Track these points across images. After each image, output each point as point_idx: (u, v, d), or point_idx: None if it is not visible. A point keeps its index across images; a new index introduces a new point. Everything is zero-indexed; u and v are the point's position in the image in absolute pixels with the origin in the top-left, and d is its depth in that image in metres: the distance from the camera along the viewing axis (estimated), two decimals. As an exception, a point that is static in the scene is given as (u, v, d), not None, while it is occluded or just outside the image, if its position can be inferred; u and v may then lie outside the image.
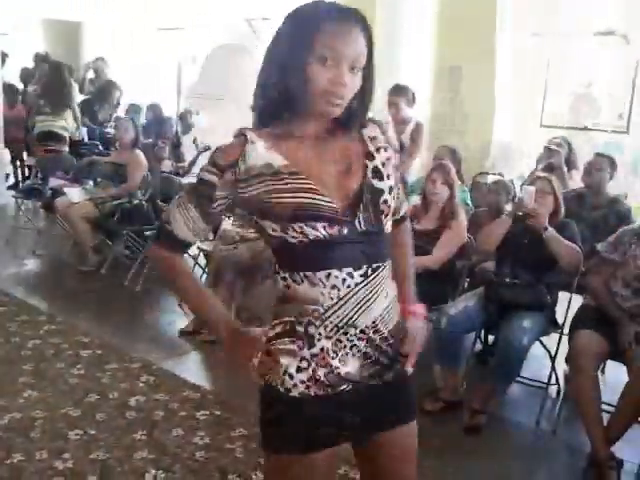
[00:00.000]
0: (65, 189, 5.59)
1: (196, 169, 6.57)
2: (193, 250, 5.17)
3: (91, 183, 5.97)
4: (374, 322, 1.40)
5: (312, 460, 1.42)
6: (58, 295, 4.84)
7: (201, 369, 3.89)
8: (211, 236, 4.95)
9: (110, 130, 7.53)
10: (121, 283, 5.00)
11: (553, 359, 3.37)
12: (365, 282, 1.37)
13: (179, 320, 4.36)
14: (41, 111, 6.97)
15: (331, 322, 1.37)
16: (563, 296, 3.49)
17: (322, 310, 1.37)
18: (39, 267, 5.72)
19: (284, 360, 1.39)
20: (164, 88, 9.26)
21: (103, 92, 7.57)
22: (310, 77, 1.32)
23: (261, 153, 1.37)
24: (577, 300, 3.43)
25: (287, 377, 1.38)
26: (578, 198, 4.21)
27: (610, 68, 6.32)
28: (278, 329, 1.41)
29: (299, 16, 1.37)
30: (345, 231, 1.35)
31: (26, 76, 8.48)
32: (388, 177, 1.43)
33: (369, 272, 1.38)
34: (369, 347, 1.42)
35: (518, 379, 3.44)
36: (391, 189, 1.43)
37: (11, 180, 8.32)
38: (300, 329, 1.38)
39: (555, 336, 3.43)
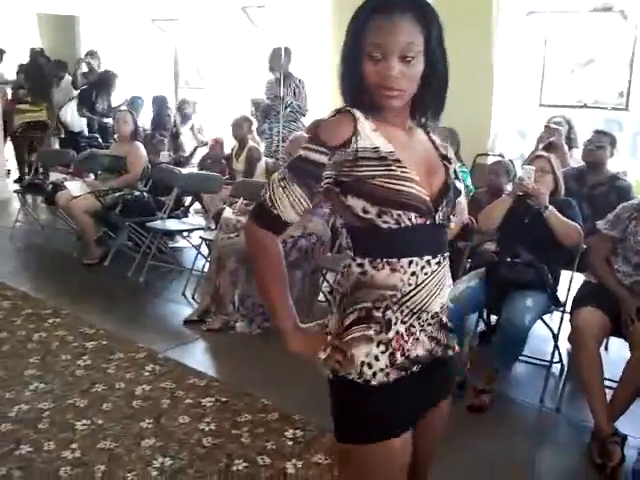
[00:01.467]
0: (66, 183, 5.61)
1: (195, 160, 6.59)
2: (195, 239, 5.20)
3: (92, 176, 5.99)
4: (442, 307, 1.47)
5: (394, 445, 1.43)
6: (62, 288, 4.86)
7: (206, 357, 3.91)
8: (213, 225, 4.97)
9: (108, 121, 7.54)
10: (125, 275, 5.02)
11: (556, 337, 3.39)
12: (438, 269, 1.43)
13: (183, 309, 4.39)
14: (22, 101, 7.07)
15: (407, 307, 1.40)
16: (565, 274, 3.50)
17: (399, 295, 1.39)
18: (43, 261, 5.74)
19: (361, 349, 1.39)
20: (161, 79, 9.24)
21: (101, 82, 7.55)
22: (364, 73, 1.37)
23: (370, 135, 1.38)
24: (579, 278, 3.43)
25: (366, 367, 1.39)
26: (578, 176, 4.20)
27: (608, 45, 6.29)
28: (352, 317, 1.42)
29: (356, 11, 1.40)
30: (428, 222, 1.40)
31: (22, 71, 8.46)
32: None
33: (442, 260, 1.44)
34: (436, 330, 1.48)
35: (522, 358, 3.46)
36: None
37: (13, 175, 8.35)
38: (377, 314, 1.40)
39: (558, 314, 3.45)
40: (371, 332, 1.40)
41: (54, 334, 3.95)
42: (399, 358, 1.41)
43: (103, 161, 5.70)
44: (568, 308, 3.31)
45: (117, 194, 5.36)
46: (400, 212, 1.36)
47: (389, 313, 1.40)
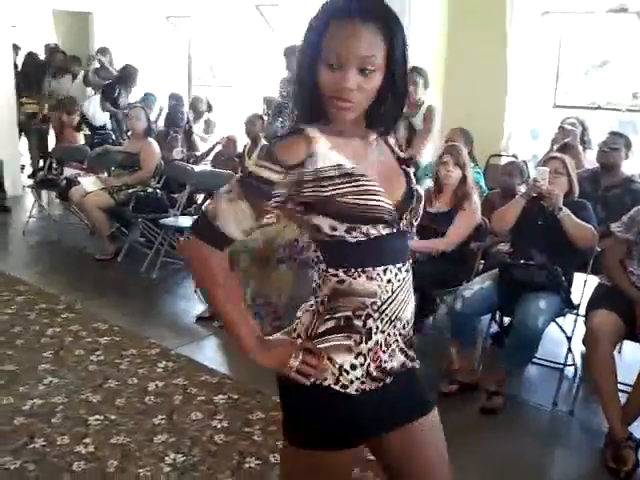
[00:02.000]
0: (79, 178, 5.63)
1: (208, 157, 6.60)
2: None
3: (105, 172, 6.01)
4: (411, 315, 1.46)
5: (350, 453, 1.43)
6: (76, 283, 4.89)
7: (218, 354, 3.92)
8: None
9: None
10: (137, 271, 5.04)
11: (570, 340, 3.37)
12: (407, 276, 1.43)
13: (195, 306, 4.40)
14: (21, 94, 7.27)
15: (386, 315, 1.39)
16: (579, 277, 3.48)
17: (379, 303, 1.38)
18: (56, 256, 5.77)
19: (339, 358, 1.38)
20: (174, 76, 9.26)
21: (123, 77, 7.57)
22: (320, 83, 1.31)
23: (326, 153, 1.33)
24: (593, 281, 3.42)
25: (344, 374, 1.38)
26: (593, 178, 4.17)
27: (623, 46, 6.25)
28: (330, 324, 1.39)
29: (316, 14, 1.33)
30: (394, 230, 1.38)
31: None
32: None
33: (409, 267, 1.44)
34: (405, 340, 1.46)
35: (535, 360, 3.45)
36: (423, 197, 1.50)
37: (27, 171, 8.41)
38: (358, 323, 1.38)
39: (571, 317, 3.43)
40: (351, 342, 1.38)
41: (68, 329, 3.97)
42: (374, 369, 1.40)
43: (117, 157, 5.73)
44: (582, 311, 3.30)
45: (130, 190, 5.38)
46: (368, 226, 1.33)
47: (370, 322, 1.38)
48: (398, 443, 1.49)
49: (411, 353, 1.49)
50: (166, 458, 2.70)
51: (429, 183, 4.04)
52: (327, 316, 1.39)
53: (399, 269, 1.40)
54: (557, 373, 3.42)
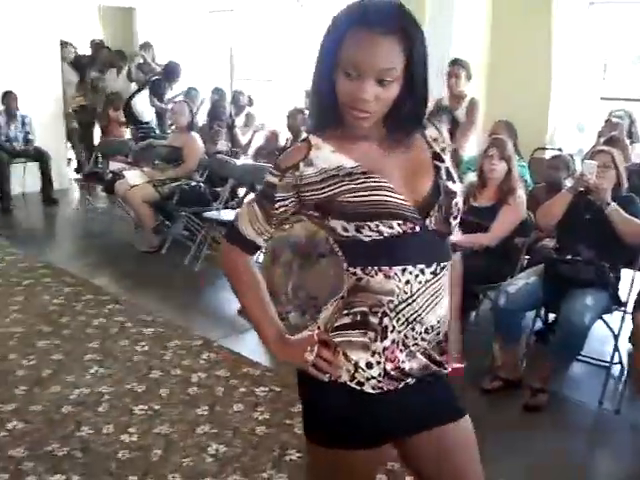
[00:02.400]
0: (124, 172, 5.72)
1: (251, 150, 6.64)
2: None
3: (149, 166, 6.10)
4: (438, 321, 1.40)
5: (371, 454, 1.41)
6: (121, 275, 4.98)
7: (259, 347, 3.92)
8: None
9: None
10: (181, 263, 5.10)
11: (616, 338, 3.30)
12: (434, 280, 1.37)
13: (236, 299, 4.43)
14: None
15: (403, 315, 1.36)
16: (627, 273, 3.40)
17: (396, 302, 1.35)
18: (102, 249, 5.88)
19: (354, 354, 1.37)
20: (216, 70, 9.33)
21: (167, 72, 7.66)
22: (337, 90, 1.30)
23: (329, 157, 1.34)
24: (641, 277, 3.34)
25: (360, 371, 1.37)
26: (642, 172, 4.08)
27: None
28: (346, 320, 1.39)
29: (334, 20, 1.31)
30: (417, 229, 1.34)
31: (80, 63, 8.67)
32: (460, 180, 1.44)
33: (437, 270, 1.37)
34: (430, 347, 1.41)
35: (580, 358, 3.39)
36: (461, 192, 1.44)
37: (73, 164, 8.58)
38: (374, 320, 1.36)
39: (619, 314, 3.36)
40: (366, 339, 1.36)
41: (113, 320, 4.05)
42: (392, 369, 1.37)
43: (161, 151, 5.80)
44: (629, 308, 3.23)
45: (174, 184, 5.45)
46: (377, 222, 1.30)
47: (386, 320, 1.36)
48: (427, 448, 1.46)
49: (440, 359, 1.44)
50: (208, 448, 2.74)
51: (472, 177, 3.99)
52: (345, 311, 1.39)
53: (421, 271, 1.35)
54: (603, 371, 3.35)
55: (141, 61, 8.29)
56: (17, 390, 3.18)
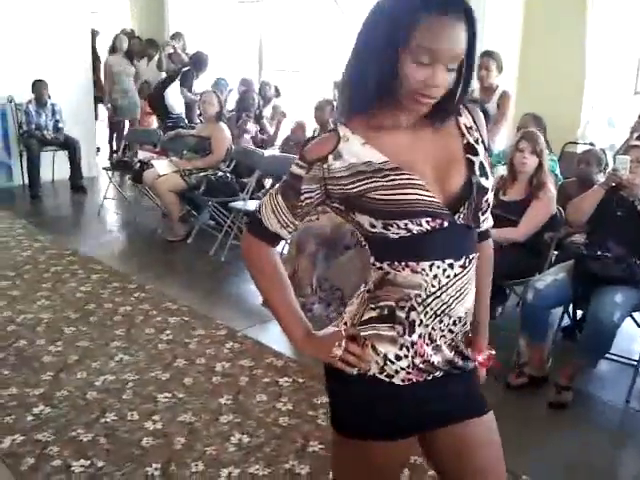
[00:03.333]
0: (152, 161, 5.76)
1: (278, 141, 6.64)
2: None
3: (177, 156, 6.13)
4: (466, 313, 1.40)
5: (398, 446, 1.40)
6: (147, 263, 5.02)
7: (283, 337, 3.92)
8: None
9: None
10: (207, 253, 5.12)
11: (646, 336, 3.25)
12: (463, 273, 1.35)
13: (262, 290, 4.44)
14: None
15: (431, 308, 1.35)
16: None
17: (424, 296, 1.34)
18: (129, 237, 5.94)
19: (382, 347, 1.36)
20: (245, 61, 9.33)
21: (196, 62, 7.68)
22: (402, 75, 1.24)
23: (358, 150, 1.31)
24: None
25: (389, 363, 1.36)
26: (676, 168, 3.98)
27: None
28: (373, 314, 1.38)
29: (398, 5, 1.24)
30: (445, 224, 1.31)
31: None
32: (492, 174, 1.40)
33: (466, 263, 1.35)
34: (457, 339, 1.41)
35: (607, 356, 3.33)
36: (492, 187, 1.40)
37: (102, 152, 8.67)
38: (401, 314, 1.35)
39: (648, 312, 3.30)
40: (394, 333, 1.35)
41: (139, 308, 4.08)
42: (420, 362, 1.36)
43: (189, 141, 5.83)
44: (660, 306, 3.17)
45: (201, 174, 5.47)
46: (406, 221, 1.28)
47: (413, 314, 1.34)
48: (449, 443, 1.44)
49: (466, 352, 1.43)
50: (231, 438, 2.75)
51: (502, 171, 3.93)
52: (372, 305, 1.38)
53: (450, 265, 1.33)
54: (631, 370, 3.29)
55: (171, 51, 8.32)
56: (44, 375, 3.22)
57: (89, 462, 2.57)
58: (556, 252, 3.67)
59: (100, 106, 8.67)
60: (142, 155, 6.09)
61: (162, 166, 5.57)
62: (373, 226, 1.32)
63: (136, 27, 9.91)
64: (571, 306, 3.61)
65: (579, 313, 3.74)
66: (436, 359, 1.38)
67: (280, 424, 2.86)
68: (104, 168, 6.93)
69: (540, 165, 3.53)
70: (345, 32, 7.19)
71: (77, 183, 7.20)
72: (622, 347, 3.44)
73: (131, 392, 3.10)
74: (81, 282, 4.50)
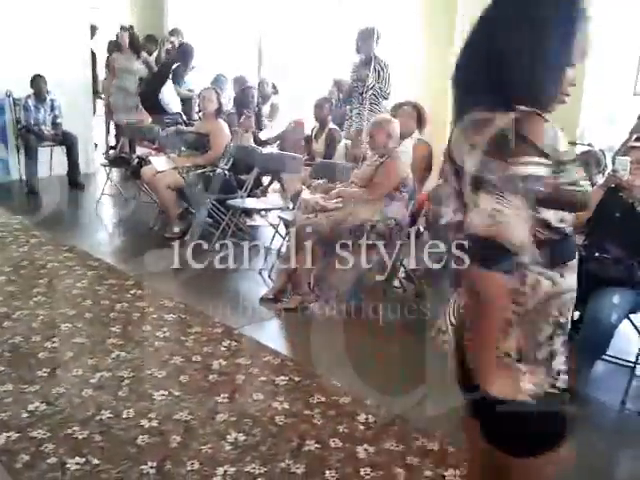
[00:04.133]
0: (151, 158, 5.74)
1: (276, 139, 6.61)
2: (274, 219, 5.24)
3: (176, 152, 6.11)
4: None
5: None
6: (144, 260, 4.99)
7: (281, 336, 3.94)
8: (291, 205, 4.99)
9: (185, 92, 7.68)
10: (204, 250, 5.10)
11: (643, 338, 3.24)
12: None
13: (259, 287, 4.43)
14: None
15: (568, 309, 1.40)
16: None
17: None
18: (126, 233, 5.92)
19: (557, 364, 1.39)
20: (245, 58, 9.31)
21: (185, 55, 7.64)
22: (564, 79, 1.34)
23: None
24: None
25: (561, 376, 1.39)
26: (675, 170, 3.98)
27: None
28: (545, 333, 1.36)
29: (580, 11, 1.33)
30: None
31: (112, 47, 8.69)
32: None
33: None
34: None
35: (604, 357, 3.33)
36: None
37: (100, 148, 8.64)
38: (563, 321, 1.37)
39: (646, 314, 3.30)
40: (564, 347, 1.39)
41: (135, 305, 4.07)
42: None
43: (188, 138, 5.81)
44: (658, 308, 3.16)
45: (199, 171, 5.45)
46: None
47: (568, 314, 1.39)
48: None
49: None
50: (227, 436, 2.74)
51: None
52: (540, 325, 1.36)
53: None
54: (627, 372, 3.29)
55: (169, 47, 8.30)
56: (39, 372, 3.21)
57: (84, 460, 2.55)
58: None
59: (99, 102, 8.67)
60: (140, 151, 6.08)
61: (160, 162, 5.56)
62: (563, 221, 1.35)
63: (135, 23, 9.87)
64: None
65: (576, 314, 3.73)
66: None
67: (276, 423, 2.85)
68: (102, 164, 6.91)
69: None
70: (344, 30, 7.17)
71: (75, 179, 7.18)
72: (618, 348, 3.43)
73: (127, 389, 3.08)
74: (78, 278, 4.48)
